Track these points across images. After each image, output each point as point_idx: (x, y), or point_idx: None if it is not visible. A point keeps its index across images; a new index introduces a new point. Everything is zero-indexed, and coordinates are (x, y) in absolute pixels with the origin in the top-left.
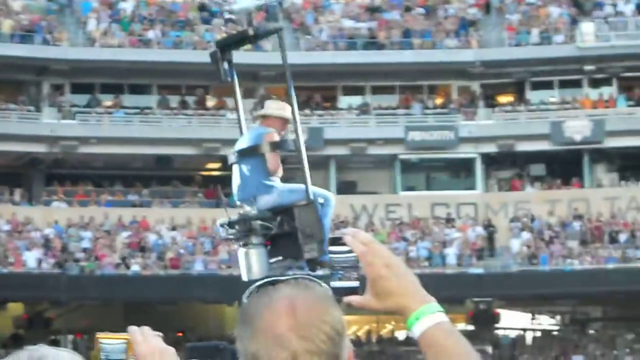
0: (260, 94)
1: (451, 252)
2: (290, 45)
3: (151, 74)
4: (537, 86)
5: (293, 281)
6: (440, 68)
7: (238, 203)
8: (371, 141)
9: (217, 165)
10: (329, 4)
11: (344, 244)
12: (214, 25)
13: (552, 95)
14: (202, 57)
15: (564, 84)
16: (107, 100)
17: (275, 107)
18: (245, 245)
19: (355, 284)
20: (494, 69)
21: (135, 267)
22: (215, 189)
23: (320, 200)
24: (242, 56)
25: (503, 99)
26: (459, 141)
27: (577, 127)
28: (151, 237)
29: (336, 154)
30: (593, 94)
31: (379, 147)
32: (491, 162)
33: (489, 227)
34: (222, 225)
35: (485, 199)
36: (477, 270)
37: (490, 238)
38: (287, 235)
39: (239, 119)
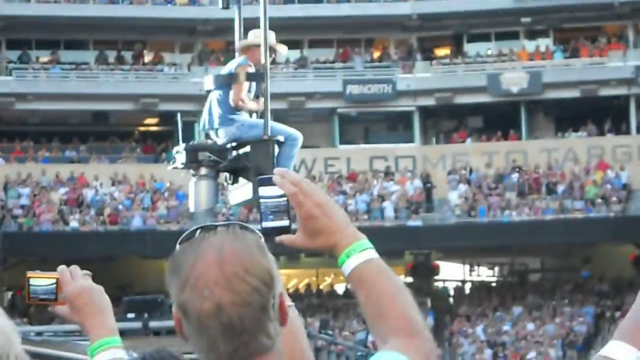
0: (199, 49)
1: (389, 206)
2: None
3: (88, 29)
4: (474, 39)
5: (224, 229)
6: (377, 21)
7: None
8: (309, 95)
9: (154, 120)
10: None
11: (274, 185)
12: None
13: (489, 48)
14: (139, 11)
15: (500, 36)
16: (44, 56)
17: (254, 36)
18: (195, 175)
19: (286, 222)
20: (431, 22)
21: (73, 224)
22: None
23: (281, 138)
24: (177, 11)
25: (440, 52)
26: (397, 94)
27: (514, 79)
28: (89, 193)
29: (274, 107)
30: (530, 45)
31: (317, 101)
32: (429, 115)
33: (427, 180)
34: (176, 153)
35: (423, 152)
36: (416, 222)
37: (428, 191)
38: (244, 170)
39: (235, 50)
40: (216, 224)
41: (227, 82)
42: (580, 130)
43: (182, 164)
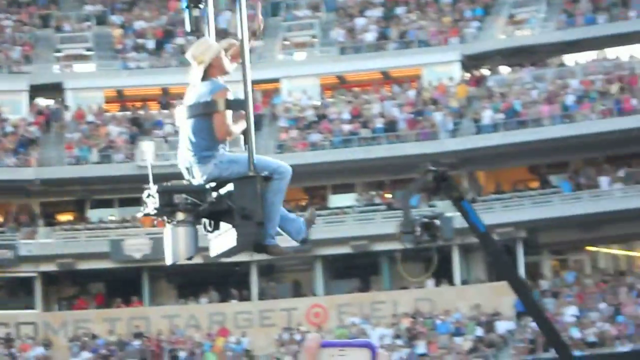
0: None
1: None
2: None
3: None
4: (97, 204)
5: None
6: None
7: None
8: None
9: None
10: None
11: None
12: None
13: (112, 214)
14: None
15: (124, 202)
16: None
17: (207, 50)
18: (171, 222)
19: None
20: (54, 187)
21: None
22: None
23: (266, 173)
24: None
25: (63, 217)
26: (19, 260)
27: (137, 245)
28: None
29: None
30: None
31: None
32: (51, 281)
33: (48, 346)
34: (147, 197)
35: (44, 319)
36: None
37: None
38: (226, 213)
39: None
40: None
41: (202, 112)
42: (202, 296)
43: (156, 209)
